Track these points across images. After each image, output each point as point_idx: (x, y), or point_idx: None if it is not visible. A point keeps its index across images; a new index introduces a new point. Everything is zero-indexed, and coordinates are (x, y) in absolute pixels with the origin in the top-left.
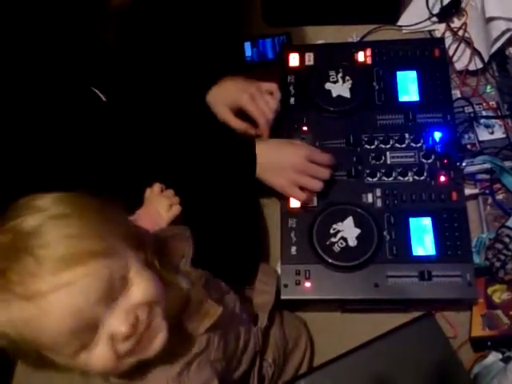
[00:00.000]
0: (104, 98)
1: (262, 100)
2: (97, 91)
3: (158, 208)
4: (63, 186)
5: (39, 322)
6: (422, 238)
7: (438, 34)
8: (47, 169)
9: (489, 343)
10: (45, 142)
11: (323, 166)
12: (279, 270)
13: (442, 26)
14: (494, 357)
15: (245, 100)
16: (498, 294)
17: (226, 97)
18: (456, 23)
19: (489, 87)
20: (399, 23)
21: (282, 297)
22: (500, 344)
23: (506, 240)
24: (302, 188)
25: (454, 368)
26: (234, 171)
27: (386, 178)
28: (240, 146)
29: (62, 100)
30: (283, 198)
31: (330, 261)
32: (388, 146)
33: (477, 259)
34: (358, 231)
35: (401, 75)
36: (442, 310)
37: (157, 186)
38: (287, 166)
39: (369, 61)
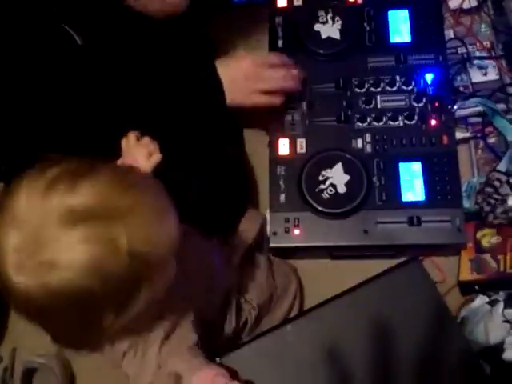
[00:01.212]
0: (79, 41)
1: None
2: (72, 32)
3: (138, 158)
4: (33, 134)
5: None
6: (412, 183)
7: None
8: (15, 115)
9: (476, 287)
10: (11, 84)
11: (277, 66)
12: (268, 218)
13: None
14: (481, 300)
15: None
16: (487, 238)
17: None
18: None
19: (483, 26)
20: None
21: (271, 244)
22: (487, 287)
23: (497, 184)
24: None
25: (441, 312)
26: (205, 102)
27: (376, 123)
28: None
29: (34, 37)
30: (272, 145)
31: (319, 208)
32: (378, 89)
33: (467, 204)
34: (347, 177)
35: (392, 15)
36: (431, 255)
37: (132, 135)
38: (241, 79)
39: (359, 0)
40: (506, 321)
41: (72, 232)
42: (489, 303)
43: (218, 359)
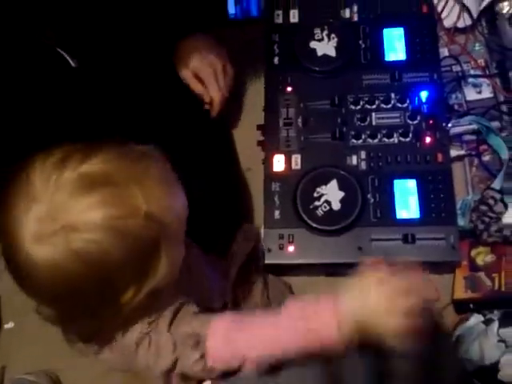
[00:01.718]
0: (73, 64)
1: (222, 78)
2: (66, 55)
3: None
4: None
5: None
6: (407, 200)
7: None
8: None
9: (471, 305)
10: (6, 104)
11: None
12: (262, 234)
13: None
14: (475, 319)
15: (207, 73)
16: (482, 256)
17: (191, 63)
18: None
19: (477, 45)
20: None
21: (266, 261)
22: (482, 306)
23: (491, 202)
24: None
25: (435, 331)
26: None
27: (370, 140)
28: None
29: (28, 60)
30: (267, 162)
31: (313, 225)
32: (373, 106)
33: (461, 221)
34: (341, 194)
35: (387, 33)
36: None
37: None
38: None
39: (355, 18)
40: (501, 340)
41: (90, 196)
42: (484, 322)
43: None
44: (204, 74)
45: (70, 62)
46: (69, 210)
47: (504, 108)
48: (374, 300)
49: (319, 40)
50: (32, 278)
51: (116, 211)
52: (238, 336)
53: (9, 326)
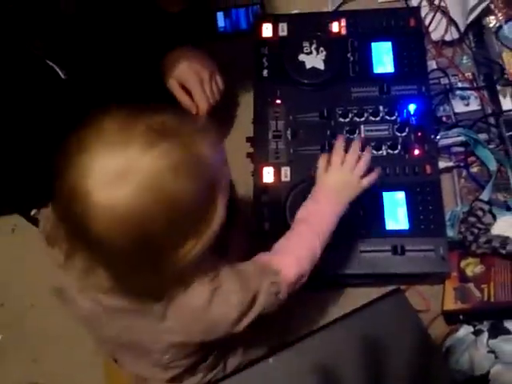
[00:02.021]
0: (63, 75)
1: (209, 87)
2: (55, 67)
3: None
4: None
5: None
6: (396, 212)
7: (414, 3)
8: None
9: (461, 317)
10: None
11: None
12: None
13: None
14: (465, 330)
15: (193, 82)
16: (471, 267)
17: (177, 72)
18: None
19: (465, 58)
20: None
21: None
22: (472, 317)
23: (479, 213)
24: None
25: (424, 343)
26: None
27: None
28: None
29: (17, 72)
30: (256, 173)
31: None
32: (362, 119)
33: (451, 233)
34: None
35: (376, 46)
36: (415, 284)
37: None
38: None
39: (343, 31)
40: (491, 351)
41: (161, 144)
42: (473, 333)
43: None
44: (190, 83)
45: (59, 73)
46: (142, 156)
47: (492, 120)
48: (342, 174)
49: (308, 53)
50: (101, 224)
51: (185, 157)
52: (289, 249)
53: None
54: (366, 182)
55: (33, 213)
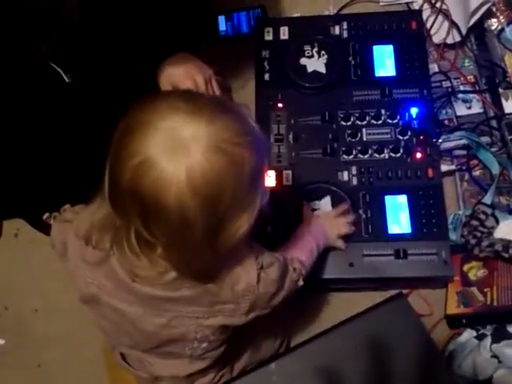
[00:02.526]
0: (67, 79)
1: (204, 90)
2: (60, 70)
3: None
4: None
5: None
6: (398, 215)
7: (416, 7)
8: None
9: (464, 321)
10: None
11: None
12: None
13: None
14: (468, 334)
15: (187, 85)
16: (474, 271)
17: (172, 76)
18: None
19: (467, 61)
20: None
21: None
22: (474, 321)
23: (482, 217)
24: None
25: (427, 348)
26: None
27: (361, 156)
28: None
29: (22, 75)
30: None
31: None
32: (364, 122)
33: (453, 236)
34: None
35: (377, 49)
36: (418, 288)
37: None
38: None
39: (345, 35)
40: (494, 356)
41: (225, 115)
42: (476, 337)
43: None
44: (184, 86)
45: (64, 76)
46: (210, 124)
47: (494, 123)
48: (332, 224)
49: (309, 57)
50: (174, 193)
51: (244, 127)
52: (303, 249)
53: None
54: (340, 243)
55: (45, 217)
